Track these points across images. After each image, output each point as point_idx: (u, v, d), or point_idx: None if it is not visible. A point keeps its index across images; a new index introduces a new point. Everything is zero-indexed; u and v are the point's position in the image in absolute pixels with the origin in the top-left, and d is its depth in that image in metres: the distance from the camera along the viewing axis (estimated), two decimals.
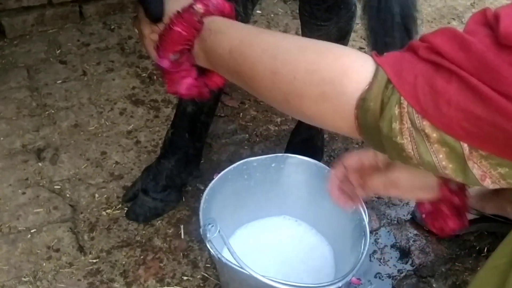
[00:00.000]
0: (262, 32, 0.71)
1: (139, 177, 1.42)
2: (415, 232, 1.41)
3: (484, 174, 0.54)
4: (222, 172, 1.16)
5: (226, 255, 0.97)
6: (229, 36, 0.72)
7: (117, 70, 1.80)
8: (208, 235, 0.97)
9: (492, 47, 0.49)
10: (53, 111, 1.65)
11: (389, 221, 1.43)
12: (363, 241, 1.02)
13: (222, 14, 0.75)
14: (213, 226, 0.98)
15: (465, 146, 0.53)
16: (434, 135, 0.54)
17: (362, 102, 0.56)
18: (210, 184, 1.13)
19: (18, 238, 1.35)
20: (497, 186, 0.56)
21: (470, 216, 1.36)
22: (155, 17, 0.75)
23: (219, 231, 0.97)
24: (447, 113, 0.51)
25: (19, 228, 1.37)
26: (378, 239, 1.39)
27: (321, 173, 1.17)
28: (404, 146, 0.56)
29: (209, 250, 1.01)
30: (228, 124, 1.65)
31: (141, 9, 0.77)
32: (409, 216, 1.44)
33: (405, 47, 0.58)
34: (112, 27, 1.94)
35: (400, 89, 0.54)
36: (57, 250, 1.33)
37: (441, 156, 0.55)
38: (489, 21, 0.51)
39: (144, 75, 1.78)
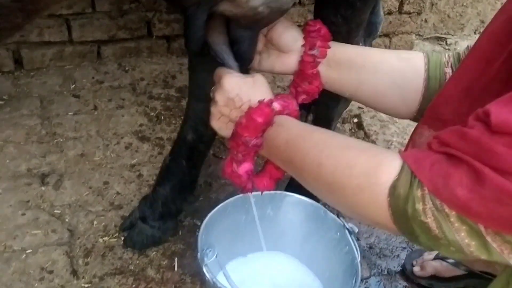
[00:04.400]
0: (316, 130, 0.84)
1: (137, 207, 1.46)
2: (405, 284, 1.42)
3: (501, 247, 0.61)
4: (221, 205, 1.19)
5: (221, 281, 1.00)
6: (288, 129, 0.85)
7: (127, 107, 1.87)
8: (205, 259, 1.00)
9: (485, 133, 0.59)
10: (61, 140, 1.71)
11: (380, 271, 1.45)
12: (354, 279, 1.05)
13: (289, 115, 0.89)
14: (210, 251, 1.01)
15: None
16: (453, 213, 0.61)
17: (393, 189, 0.65)
18: (209, 215, 1.16)
19: (13, 257, 1.36)
20: None
21: (459, 272, 1.39)
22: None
23: (216, 256, 1.00)
24: (458, 194, 0.59)
25: (14, 248, 1.39)
26: (368, 287, 1.41)
27: (317, 214, 1.21)
28: (429, 225, 0.63)
29: (204, 276, 1.03)
30: None
31: (219, 79, 0.91)
32: (399, 268, 1.46)
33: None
34: (127, 68, 2.04)
35: (418, 174, 0.63)
36: (51, 272, 1.34)
37: (462, 234, 0.61)
38: (480, 117, 0.61)
39: (152, 114, 1.86)
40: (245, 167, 0.94)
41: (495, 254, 0.61)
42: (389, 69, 0.93)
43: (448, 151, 0.62)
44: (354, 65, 0.95)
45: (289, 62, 0.97)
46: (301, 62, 0.97)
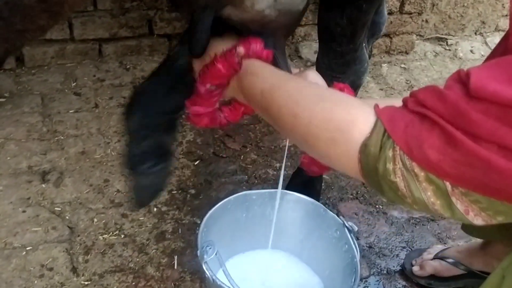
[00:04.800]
0: (290, 79, 0.84)
1: None
2: (404, 283, 1.42)
3: (467, 208, 0.63)
4: (221, 202, 1.20)
5: (221, 278, 1.00)
6: (262, 79, 0.84)
7: None
8: (205, 257, 1.00)
9: (464, 97, 0.60)
10: (62, 138, 1.72)
11: (379, 270, 1.46)
12: (353, 277, 1.05)
13: (260, 58, 0.88)
14: (210, 248, 1.01)
15: (448, 183, 0.62)
16: (422, 174, 0.63)
17: (364, 147, 0.66)
18: (209, 212, 1.17)
19: (13, 254, 1.37)
20: (480, 220, 0.64)
21: (458, 272, 1.39)
22: (196, 53, 0.89)
23: (216, 254, 1.00)
24: (430, 156, 0.61)
25: (15, 245, 1.39)
26: (367, 286, 1.41)
27: (317, 212, 1.22)
28: (397, 184, 0.65)
29: (203, 274, 1.04)
30: (229, 165, 1.71)
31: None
32: (398, 268, 1.46)
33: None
34: (128, 66, 2.05)
35: (393, 135, 0.64)
36: (51, 269, 1.34)
37: (429, 193, 0.64)
38: (462, 79, 0.62)
39: None
40: (203, 111, 0.93)
41: (458, 214, 0.64)
42: None
43: (423, 111, 0.63)
44: None
45: None
46: None
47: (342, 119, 0.69)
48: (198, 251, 1.03)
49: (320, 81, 1.00)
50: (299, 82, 0.83)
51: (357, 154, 0.66)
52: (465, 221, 0.64)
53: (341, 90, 0.98)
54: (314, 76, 1.00)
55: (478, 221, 0.63)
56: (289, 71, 1.01)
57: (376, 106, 0.68)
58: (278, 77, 0.84)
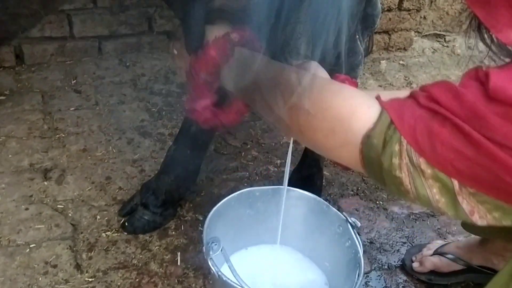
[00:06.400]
0: (280, 66, 0.81)
1: (138, 192, 1.49)
2: (405, 278, 1.44)
3: (472, 209, 0.62)
4: (225, 199, 1.21)
5: (226, 274, 1.01)
6: (252, 67, 0.82)
7: (128, 103, 1.88)
8: (210, 253, 1.01)
9: (481, 99, 0.58)
10: (63, 135, 1.72)
11: (380, 265, 1.47)
12: (357, 272, 1.06)
13: (252, 48, 0.85)
14: (216, 244, 1.02)
15: (456, 182, 0.61)
16: (429, 171, 0.62)
17: (367, 139, 0.65)
18: (213, 209, 1.18)
19: (17, 251, 1.37)
20: (484, 222, 0.63)
21: (458, 267, 1.41)
22: (192, 48, 0.88)
23: (221, 250, 1.01)
24: (440, 153, 0.60)
25: (18, 242, 1.39)
26: (368, 282, 1.42)
27: (319, 208, 1.23)
28: (402, 180, 0.64)
29: (207, 270, 1.05)
30: (230, 162, 1.72)
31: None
32: (399, 263, 1.48)
33: (408, 95, 0.67)
34: (128, 64, 2.05)
35: (401, 130, 0.63)
36: (55, 266, 1.34)
37: (434, 190, 0.63)
38: (480, 77, 0.60)
39: (153, 110, 1.87)
40: (202, 103, 0.89)
41: (461, 213, 0.62)
42: None
43: (436, 108, 0.61)
44: None
45: None
46: None
47: (340, 109, 0.68)
48: (203, 247, 1.04)
49: (322, 73, 1.00)
50: (289, 69, 0.80)
51: (358, 144, 0.65)
52: (468, 220, 0.63)
53: (342, 82, 0.97)
54: (315, 67, 1.00)
55: (482, 222, 0.62)
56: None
57: (379, 98, 0.67)
58: (267, 64, 0.82)
